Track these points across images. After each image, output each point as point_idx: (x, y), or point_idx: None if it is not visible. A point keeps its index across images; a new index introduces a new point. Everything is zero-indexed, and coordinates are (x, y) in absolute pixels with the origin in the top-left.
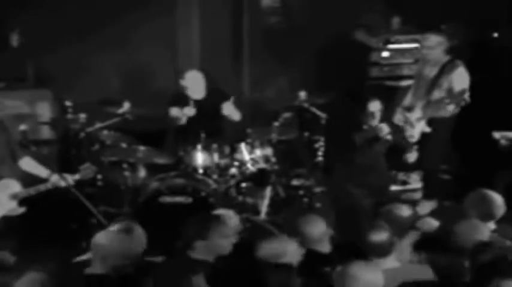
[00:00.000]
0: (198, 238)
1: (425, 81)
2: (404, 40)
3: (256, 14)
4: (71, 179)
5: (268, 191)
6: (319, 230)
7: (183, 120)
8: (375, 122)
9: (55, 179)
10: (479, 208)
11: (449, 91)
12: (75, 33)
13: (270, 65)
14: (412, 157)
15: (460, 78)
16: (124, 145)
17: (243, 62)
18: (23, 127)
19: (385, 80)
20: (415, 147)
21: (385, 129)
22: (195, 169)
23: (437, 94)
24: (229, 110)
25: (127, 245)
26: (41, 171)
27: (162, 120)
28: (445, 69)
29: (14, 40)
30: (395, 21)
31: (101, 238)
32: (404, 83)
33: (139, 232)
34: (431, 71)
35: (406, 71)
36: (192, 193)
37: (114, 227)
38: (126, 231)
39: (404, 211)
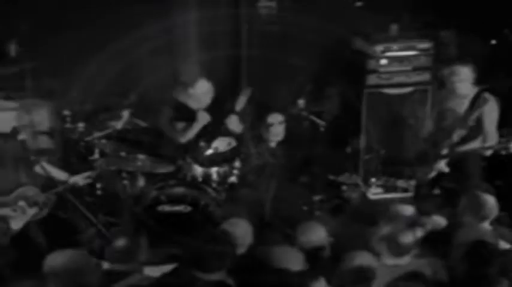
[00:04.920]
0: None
1: (453, 115)
2: (402, 47)
3: (254, 21)
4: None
5: None
6: (318, 237)
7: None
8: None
9: (74, 180)
10: (473, 209)
11: (478, 126)
12: (73, 42)
13: (268, 71)
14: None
15: (490, 114)
16: (123, 154)
17: (241, 71)
18: (21, 136)
19: (383, 87)
20: None
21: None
22: (194, 178)
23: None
24: (233, 124)
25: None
26: (59, 174)
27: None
28: (476, 103)
29: (12, 50)
30: (394, 28)
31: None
32: (403, 90)
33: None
34: (459, 105)
35: (403, 79)
36: (191, 202)
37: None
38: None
39: (407, 210)
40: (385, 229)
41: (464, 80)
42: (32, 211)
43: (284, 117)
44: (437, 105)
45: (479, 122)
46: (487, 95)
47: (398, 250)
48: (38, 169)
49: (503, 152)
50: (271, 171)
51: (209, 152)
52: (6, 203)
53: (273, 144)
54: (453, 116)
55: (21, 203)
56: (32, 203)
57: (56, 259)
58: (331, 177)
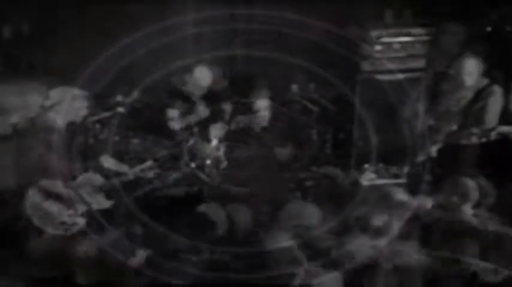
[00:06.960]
0: None
1: (458, 105)
2: (397, 34)
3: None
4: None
5: None
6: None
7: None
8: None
9: (135, 171)
10: (455, 193)
11: (480, 117)
12: (69, 24)
13: (263, 58)
14: None
15: (494, 106)
16: (116, 139)
17: (237, 58)
18: (14, 119)
19: (377, 73)
20: None
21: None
22: (189, 163)
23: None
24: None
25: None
26: (120, 167)
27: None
28: (482, 95)
29: (6, 32)
30: (388, 14)
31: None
32: (397, 77)
33: None
34: (465, 95)
35: (397, 65)
36: (186, 186)
37: None
38: None
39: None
40: (359, 211)
41: (472, 72)
42: (97, 198)
43: (274, 103)
44: (442, 95)
45: (481, 112)
46: (496, 87)
47: (371, 231)
48: (102, 160)
49: (484, 139)
50: (263, 159)
51: (214, 143)
52: (72, 187)
53: (257, 129)
54: (456, 106)
55: (87, 187)
56: (97, 189)
57: (38, 243)
58: (314, 168)
